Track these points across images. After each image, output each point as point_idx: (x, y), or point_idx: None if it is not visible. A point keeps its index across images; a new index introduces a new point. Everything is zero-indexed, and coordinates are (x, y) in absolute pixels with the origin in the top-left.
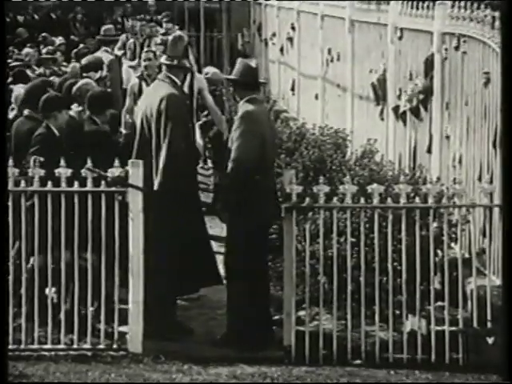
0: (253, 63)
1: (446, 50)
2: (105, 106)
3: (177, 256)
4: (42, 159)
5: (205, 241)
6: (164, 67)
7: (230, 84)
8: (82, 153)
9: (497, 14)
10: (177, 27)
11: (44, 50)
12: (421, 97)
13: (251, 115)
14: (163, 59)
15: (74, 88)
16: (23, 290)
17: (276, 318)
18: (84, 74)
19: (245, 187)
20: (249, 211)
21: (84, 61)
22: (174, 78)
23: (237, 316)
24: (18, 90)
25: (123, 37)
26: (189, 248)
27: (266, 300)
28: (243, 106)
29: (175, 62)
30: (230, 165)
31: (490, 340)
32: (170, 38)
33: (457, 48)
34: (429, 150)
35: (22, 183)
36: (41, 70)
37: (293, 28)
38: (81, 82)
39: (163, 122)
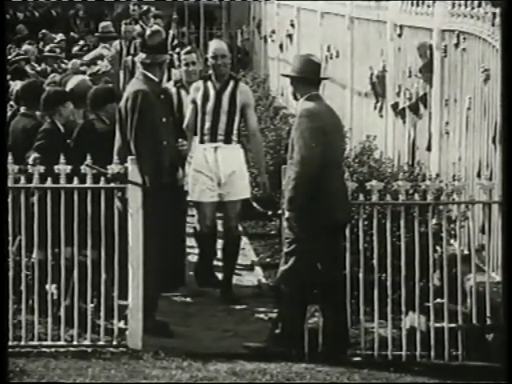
0: (315, 57)
1: (445, 46)
2: (107, 102)
3: (153, 254)
4: (37, 155)
5: (179, 241)
6: (139, 65)
7: (291, 82)
8: (94, 152)
9: (497, 10)
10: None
11: (47, 48)
12: (420, 94)
13: (311, 113)
14: (138, 57)
15: (71, 85)
16: (23, 287)
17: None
18: (81, 68)
19: (311, 190)
20: (317, 214)
21: (86, 57)
22: (149, 74)
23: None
24: (15, 86)
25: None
26: (164, 247)
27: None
28: (303, 104)
29: (149, 60)
30: (293, 168)
31: (490, 336)
32: (147, 32)
33: (456, 45)
34: (428, 148)
35: (22, 180)
36: (42, 67)
37: (292, 25)
38: (76, 78)
39: (129, 120)
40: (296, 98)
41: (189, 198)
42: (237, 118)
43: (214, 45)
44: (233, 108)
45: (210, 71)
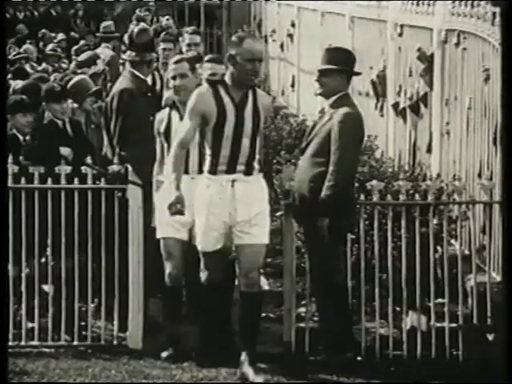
0: (348, 49)
1: (445, 46)
2: (60, 98)
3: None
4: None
5: None
6: (127, 63)
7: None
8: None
9: (497, 10)
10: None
11: (48, 47)
12: (420, 93)
13: (353, 118)
14: (126, 55)
15: (69, 84)
16: (23, 287)
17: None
18: (79, 71)
19: (341, 201)
20: (335, 220)
21: (80, 58)
22: (136, 72)
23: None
24: (16, 85)
25: None
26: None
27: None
28: (339, 108)
29: (137, 58)
30: (329, 176)
31: (490, 336)
32: (135, 30)
33: (457, 44)
34: (428, 150)
35: (22, 180)
36: (44, 66)
37: (293, 24)
38: (76, 78)
39: (113, 120)
40: (325, 96)
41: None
42: (259, 140)
43: (253, 43)
44: (256, 128)
45: (228, 76)
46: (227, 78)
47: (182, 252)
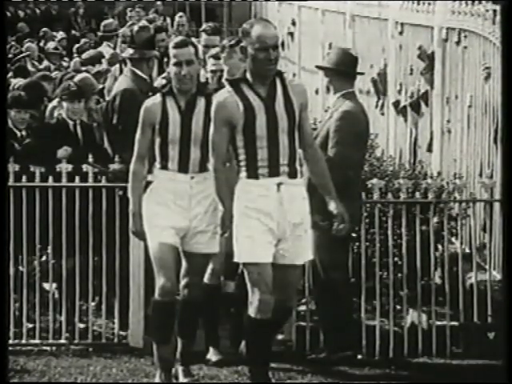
0: (352, 51)
1: (446, 44)
2: (75, 98)
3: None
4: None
5: None
6: (128, 61)
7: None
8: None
9: (498, 8)
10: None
11: (50, 46)
12: (421, 91)
13: (352, 116)
14: (126, 53)
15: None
16: (24, 285)
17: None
18: (83, 68)
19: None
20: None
21: (85, 55)
22: (137, 71)
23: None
24: (17, 83)
25: None
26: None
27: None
28: (341, 103)
29: (137, 55)
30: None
31: (491, 335)
32: (135, 28)
33: (457, 43)
34: (429, 149)
35: (23, 178)
36: (45, 65)
37: (293, 23)
38: (79, 76)
39: (115, 120)
40: (331, 92)
41: (236, 260)
42: (297, 135)
43: (261, 30)
44: (292, 121)
45: (247, 71)
46: (247, 74)
47: (175, 261)
